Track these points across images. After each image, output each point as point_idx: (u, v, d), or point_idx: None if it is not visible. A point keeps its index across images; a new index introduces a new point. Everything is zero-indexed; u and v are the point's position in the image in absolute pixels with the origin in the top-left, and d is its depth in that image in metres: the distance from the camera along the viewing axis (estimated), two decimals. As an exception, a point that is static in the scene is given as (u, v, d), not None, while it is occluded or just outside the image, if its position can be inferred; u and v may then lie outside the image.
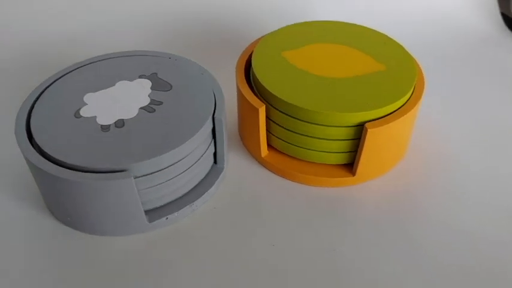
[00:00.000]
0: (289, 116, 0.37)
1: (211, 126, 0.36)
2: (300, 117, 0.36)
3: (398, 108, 0.37)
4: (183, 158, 0.34)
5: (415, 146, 0.43)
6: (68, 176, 0.31)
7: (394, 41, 0.43)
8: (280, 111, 0.37)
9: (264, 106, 0.37)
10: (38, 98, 0.37)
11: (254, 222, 0.37)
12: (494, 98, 0.50)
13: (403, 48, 0.42)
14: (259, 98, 0.38)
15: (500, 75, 0.53)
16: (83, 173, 0.31)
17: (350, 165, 0.40)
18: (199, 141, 0.35)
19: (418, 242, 0.36)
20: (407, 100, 0.38)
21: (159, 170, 0.33)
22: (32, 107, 0.36)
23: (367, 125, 0.35)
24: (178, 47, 0.55)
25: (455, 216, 0.38)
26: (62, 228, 0.36)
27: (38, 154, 0.33)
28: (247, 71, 0.42)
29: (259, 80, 0.37)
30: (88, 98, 0.37)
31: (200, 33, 0.58)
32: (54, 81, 0.39)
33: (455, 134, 0.45)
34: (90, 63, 0.41)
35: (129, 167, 0.32)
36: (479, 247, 0.35)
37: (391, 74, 0.39)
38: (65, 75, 0.39)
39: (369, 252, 0.35)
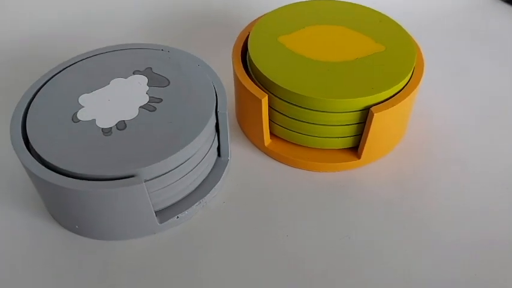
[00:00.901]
0: (293, 104, 0.36)
1: (215, 121, 0.35)
2: (304, 105, 0.36)
3: (401, 89, 0.37)
4: (191, 157, 0.33)
5: (413, 123, 0.43)
6: (76, 186, 0.30)
7: (389, 18, 0.42)
8: (283, 100, 0.36)
9: (267, 96, 0.37)
10: (29, 104, 0.35)
11: (265, 214, 0.37)
12: (489, 69, 0.50)
13: (399, 26, 0.41)
14: (260, 88, 0.37)
15: (493, 45, 0.53)
16: (91, 182, 0.30)
17: (354, 149, 0.40)
18: (206, 138, 0.34)
19: (428, 217, 0.36)
20: (409, 80, 0.37)
21: (168, 172, 0.32)
22: (25, 114, 0.35)
23: (372, 109, 0.35)
24: (166, 36, 0.53)
25: (461, 188, 0.38)
26: (70, 236, 0.35)
27: (40, 164, 0.31)
28: (243, 58, 0.41)
29: (261, 71, 0.36)
30: (83, 99, 0.36)
31: (189, 20, 0.56)
32: (44, 84, 0.37)
33: (452, 108, 0.45)
34: (79, 61, 0.39)
35: (138, 171, 0.31)
36: (484, 218, 0.36)
37: (391, 54, 0.38)
38: (53, 76, 0.38)
39: (382, 234, 0.35)
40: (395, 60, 0.38)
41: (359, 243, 0.35)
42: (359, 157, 0.39)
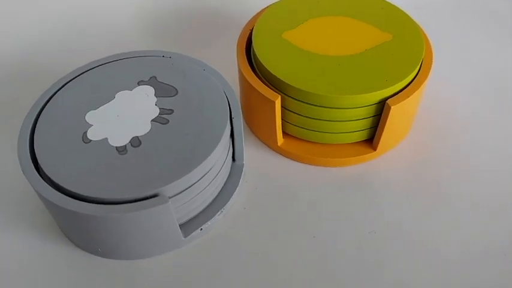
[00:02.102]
0: (308, 103, 0.35)
1: (230, 128, 0.34)
2: (319, 104, 0.35)
3: (413, 78, 0.36)
4: (211, 168, 0.33)
5: (421, 108, 0.43)
6: (99, 212, 0.29)
7: (390, 4, 0.41)
8: (296, 99, 0.36)
9: (280, 97, 0.36)
10: (34, 126, 0.34)
11: (287, 215, 0.36)
12: (490, 48, 0.50)
13: (402, 11, 0.41)
14: (271, 89, 0.36)
15: (495, 25, 0.53)
16: (114, 206, 0.29)
17: (368, 141, 0.39)
18: (224, 147, 0.34)
19: (452, 199, 0.37)
20: (420, 68, 0.37)
21: (191, 186, 0.32)
22: (32, 137, 0.33)
23: (389, 102, 0.35)
24: (165, 40, 0.51)
25: (476, 166, 0.39)
26: (93, 259, 0.34)
27: (57, 192, 0.30)
28: (248, 56, 0.39)
29: (273, 73, 0.35)
30: (91, 117, 0.34)
31: (182, 22, 0.54)
32: (46, 102, 0.35)
33: (457, 90, 0.45)
34: (78, 75, 0.37)
35: (161, 190, 0.30)
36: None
37: (399, 43, 0.38)
38: (55, 94, 0.36)
39: (409, 223, 0.35)
40: (404, 48, 0.37)
41: (387, 236, 0.35)
42: (375, 149, 0.39)
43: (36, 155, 0.32)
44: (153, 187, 0.30)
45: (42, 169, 0.31)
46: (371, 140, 0.39)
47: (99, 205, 0.29)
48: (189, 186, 0.31)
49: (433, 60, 0.38)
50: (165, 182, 0.30)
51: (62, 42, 0.50)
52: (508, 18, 0.54)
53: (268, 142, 0.41)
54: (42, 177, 0.31)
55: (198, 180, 0.32)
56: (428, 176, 0.38)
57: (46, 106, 0.35)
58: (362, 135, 0.38)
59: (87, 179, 0.30)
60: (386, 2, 0.42)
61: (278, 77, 0.35)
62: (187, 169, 0.31)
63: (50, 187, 0.30)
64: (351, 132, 0.37)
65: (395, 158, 0.40)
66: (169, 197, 0.31)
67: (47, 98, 0.35)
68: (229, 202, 0.36)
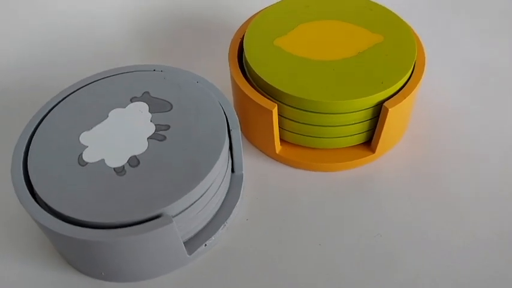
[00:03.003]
0: (305, 110, 0.35)
1: (228, 140, 0.34)
2: (316, 110, 0.35)
3: (408, 79, 0.36)
4: (213, 182, 0.32)
5: (415, 107, 0.43)
6: (100, 237, 0.28)
7: (378, 5, 0.41)
8: (293, 107, 0.35)
9: (276, 106, 0.35)
10: (27, 150, 0.33)
11: (290, 224, 0.36)
12: (481, 42, 0.50)
13: (390, 12, 0.41)
14: (267, 98, 0.36)
15: (479, 16, 0.54)
16: (117, 230, 0.29)
17: (366, 143, 0.39)
18: (224, 160, 0.33)
19: (455, 197, 0.37)
20: (413, 68, 0.37)
21: (194, 203, 0.31)
22: (25, 162, 0.32)
23: (386, 104, 0.35)
24: (154, 53, 0.50)
25: (474, 162, 0.39)
26: (95, 283, 0.33)
27: (57, 220, 0.29)
28: (240, 65, 0.39)
29: (268, 82, 0.35)
30: (85, 138, 0.33)
31: (174, 32, 0.52)
32: (37, 126, 0.34)
33: (448, 87, 0.45)
34: (68, 95, 0.36)
35: (164, 210, 0.29)
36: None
37: (391, 43, 0.38)
38: (45, 116, 0.35)
39: (413, 223, 0.35)
40: (397, 49, 0.37)
41: (393, 238, 0.35)
42: (373, 151, 0.39)
43: (32, 181, 0.31)
44: (156, 207, 0.29)
45: (38, 195, 0.30)
46: (369, 142, 0.39)
47: (100, 230, 0.28)
48: (192, 203, 0.31)
49: (426, 59, 0.38)
50: (168, 201, 0.29)
51: (47, 62, 0.49)
52: (493, 9, 0.54)
53: (265, 150, 0.40)
54: (39, 204, 0.30)
55: (201, 196, 0.31)
56: (428, 173, 0.38)
57: (37, 130, 0.34)
58: (360, 138, 0.38)
59: (86, 203, 0.29)
60: (374, 2, 0.42)
61: (274, 86, 0.35)
62: (189, 186, 0.30)
63: (49, 214, 0.29)
64: (348, 136, 0.37)
65: (394, 158, 0.40)
66: (173, 216, 0.30)
67: (37, 121, 0.34)
68: (231, 215, 0.35)
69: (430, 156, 0.40)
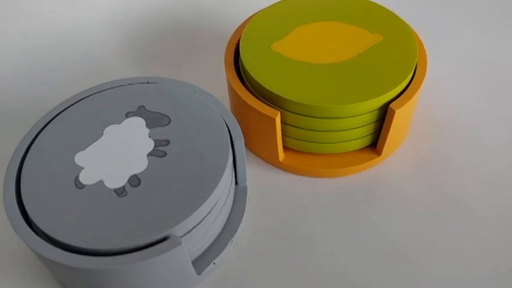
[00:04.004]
0: (308, 116, 0.34)
1: (232, 152, 0.33)
2: (320, 115, 0.34)
3: (412, 79, 0.35)
4: (219, 198, 0.31)
5: (418, 108, 0.42)
6: (105, 265, 0.26)
7: (374, 3, 0.40)
8: (297, 113, 0.34)
9: (279, 113, 0.34)
10: (19, 175, 0.31)
11: (300, 234, 0.35)
12: (480, 35, 0.50)
13: (388, 10, 0.40)
14: (269, 106, 0.35)
15: (475, 8, 0.53)
16: (121, 257, 0.27)
17: (371, 146, 0.38)
18: (229, 174, 0.32)
19: (465, 195, 0.36)
20: (415, 67, 0.36)
21: (201, 221, 0.29)
22: (18, 188, 0.30)
23: (392, 106, 0.34)
24: (146, 65, 0.48)
25: (479, 155, 0.39)
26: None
27: (54, 247, 0.27)
28: (237, 72, 0.37)
29: (269, 89, 0.34)
30: (80, 159, 0.31)
31: (163, 40, 0.50)
32: (28, 148, 0.32)
33: (448, 82, 0.45)
34: (59, 113, 0.34)
35: (171, 231, 0.28)
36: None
37: (391, 43, 0.37)
38: (36, 137, 0.33)
39: (426, 226, 0.34)
40: (398, 49, 0.36)
41: (408, 243, 0.34)
42: (379, 154, 0.38)
43: (26, 209, 0.29)
44: (163, 229, 0.27)
45: (34, 223, 0.28)
46: (373, 145, 0.38)
47: (104, 257, 0.27)
48: (200, 222, 0.29)
49: (427, 57, 0.37)
50: (175, 222, 0.28)
51: (30, 81, 0.46)
52: (491, 3, 0.54)
53: (268, 159, 0.39)
54: (36, 233, 0.28)
55: (208, 213, 0.30)
56: (436, 172, 0.38)
57: (28, 152, 0.32)
58: (365, 142, 0.37)
59: (87, 229, 0.28)
60: (369, 1, 0.41)
61: (276, 93, 0.33)
62: (195, 204, 0.29)
63: (47, 243, 0.28)
64: (353, 139, 0.36)
65: (400, 160, 0.39)
66: (180, 237, 0.28)
67: (28, 143, 0.32)
68: (238, 231, 0.34)
69: (435, 154, 0.39)
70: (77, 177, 0.30)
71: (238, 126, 0.33)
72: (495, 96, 0.44)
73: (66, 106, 0.35)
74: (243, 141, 0.32)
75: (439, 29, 0.51)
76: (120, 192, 0.29)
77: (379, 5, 0.40)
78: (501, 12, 0.52)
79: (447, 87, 0.44)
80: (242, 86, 0.36)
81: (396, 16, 0.39)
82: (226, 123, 0.33)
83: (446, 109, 0.42)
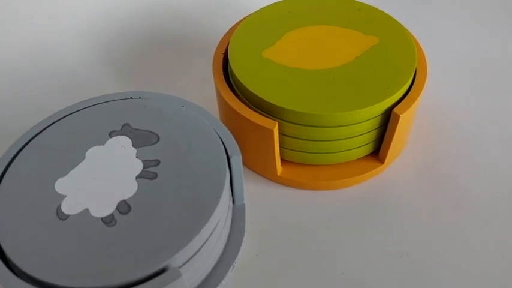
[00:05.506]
0: (307, 125, 0.32)
1: (229, 169, 0.30)
2: (320, 124, 0.31)
3: (413, 81, 0.34)
4: (218, 221, 0.28)
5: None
6: (99, 305, 0.23)
7: (365, 4, 0.39)
8: (295, 123, 0.32)
9: (277, 124, 0.32)
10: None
11: (306, 253, 0.32)
12: (475, 33, 0.49)
13: (379, 10, 0.38)
14: (265, 116, 0.32)
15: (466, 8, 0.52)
16: (117, 294, 0.24)
17: (373, 154, 0.36)
18: (226, 193, 0.29)
19: (473, 194, 0.35)
20: (415, 70, 0.34)
21: (200, 248, 0.27)
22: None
23: (396, 110, 0.32)
24: (129, 78, 0.44)
25: (480, 153, 0.38)
26: None
27: (39, 291, 0.24)
28: (227, 81, 0.35)
29: (265, 99, 0.31)
30: (61, 186, 0.28)
31: (144, 52, 0.47)
32: (3, 174, 0.29)
33: (443, 82, 0.43)
34: (35, 135, 0.31)
35: (169, 262, 0.25)
36: None
37: (388, 45, 0.35)
38: (10, 163, 0.30)
39: (438, 235, 0.32)
40: (395, 50, 0.34)
41: (421, 256, 0.31)
42: (382, 162, 0.36)
43: (3, 247, 0.25)
44: (159, 260, 0.25)
45: (12, 262, 0.25)
46: (375, 152, 0.36)
47: (96, 297, 0.24)
48: (199, 249, 0.27)
49: (427, 58, 0.35)
50: (172, 251, 0.25)
51: (6, 98, 0.43)
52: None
53: (265, 173, 0.36)
54: (14, 273, 0.25)
55: (208, 239, 0.27)
56: (440, 175, 0.36)
57: (1, 182, 0.28)
58: (367, 150, 0.35)
59: (74, 265, 0.25)
60: (360, 2, 0.39)
61: (272, 102, 0.31)
62: (193, 230, 0.26)
63: (28, 285, 0.24)
64: (355, 148, 0.34)
65: (403, 167, 0.37)
66: (179, 267, 0.26)
67: (1, 171, 0.29)
68: (239, 255, 0.31)
69: (437, 158, 0.37)
70: (59, 206, 0.27)
71: (234, 140, 0.30)
72: (494, 96, 0.42)
73: (43, 128, 0.31)
74: (241, 155, 0.30)
75: (432, 29, 0.49)
76: (109, 221, 0.26)
77: (371, 6, 0.38)
78: (501, 12, 0.51)
79: (442, 86, 0.43)
80: (234, 97, 0.33)
81: (390, 17, 0.37)
82: (220, 137, 0.31)
83: (446, 110, 0.41)
